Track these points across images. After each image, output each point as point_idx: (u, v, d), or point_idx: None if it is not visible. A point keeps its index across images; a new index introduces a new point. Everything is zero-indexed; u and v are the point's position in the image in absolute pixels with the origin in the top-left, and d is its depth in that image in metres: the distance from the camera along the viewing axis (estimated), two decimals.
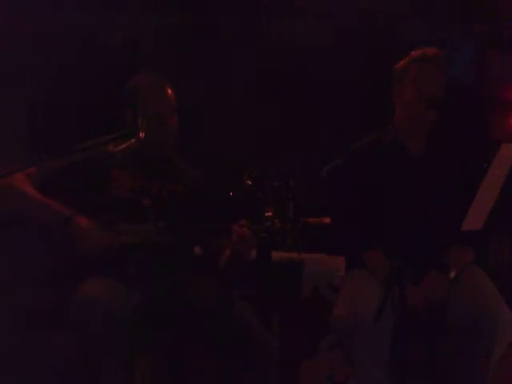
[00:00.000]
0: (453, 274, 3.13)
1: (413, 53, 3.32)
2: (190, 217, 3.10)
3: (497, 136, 5.12)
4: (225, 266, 3.07)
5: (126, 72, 3.30)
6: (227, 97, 5.08)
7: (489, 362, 3.01)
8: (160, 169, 3.19)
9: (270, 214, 2.91)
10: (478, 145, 3.42)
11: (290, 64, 5.26)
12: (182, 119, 3.22)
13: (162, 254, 2.99)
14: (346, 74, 5.26)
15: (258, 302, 3.61)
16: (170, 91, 3.18)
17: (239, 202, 3.23)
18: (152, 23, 5.20)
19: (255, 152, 4.49)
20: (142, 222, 2.98)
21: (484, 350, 3.00)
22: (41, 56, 4.96)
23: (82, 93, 5.03)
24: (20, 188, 2.92)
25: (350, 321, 3.00)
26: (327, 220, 3.83)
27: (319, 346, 3.88)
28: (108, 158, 3.07)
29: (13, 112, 4.79)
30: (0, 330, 2.94)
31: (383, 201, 3.22)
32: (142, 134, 2.79)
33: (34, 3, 4.86)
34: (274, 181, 3.03)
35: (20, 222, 2.95)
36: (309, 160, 4.79)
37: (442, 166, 3.28)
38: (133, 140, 2.88)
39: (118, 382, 2.76)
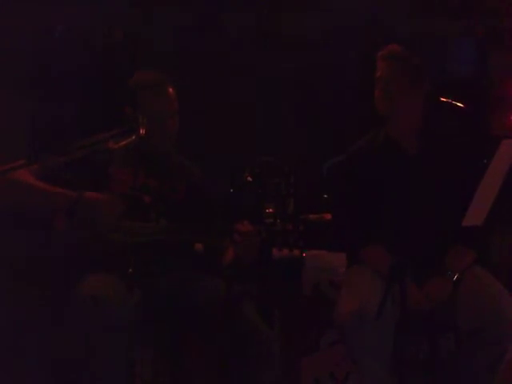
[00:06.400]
0: (454, 276, 3.12)
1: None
2: (191, 214, 3.10)
3: (497, 132, 5.12)
4: (227, 264, 3.07)
5: (126, 70, 3.30)
6: (227, 95, 5.08)
7: (499, 363, 3.01)
8: (161, 166, 3.19)
9: (270, 210, 2.91)
10: (479, 141, 3.40)
11: (290, 63, 5.26)
12: (182, 118, 3.21)
13: (163, 252, 3.00)
14: (347, 73, 5.26)
15: (258, 299, 3.61)
16: (171, 91, 3.17)
17: (240, 199, 3.23)
18: (152, 22, 5.20)
19: (255, 150, 4.48)
20: (142, 219, 2.99)
21: (495, 351, 3.00)
22: (40, 55, 4.96)
23: (82, 91, 5.03)
24: (24, 180, 2.92)
25: (352, 317, 2.99)
26: (328, 216, 3.83)
27: (320, 342, 3.88)
28: (108, 155, 3.06)
29: (13, 111, 4.79)
30: (0, 330, 2.94)
31: (382, 199, 3.22)
32: (142, 131, 2.78)
33: (33, 2, 4.86)
34: (275, 177, 3.03)
35: (22, 219, 2.95)
36: (309, 157, 4.79)
37: (437, 164, 3.25)
38: (133, 137, 2.88)
39: (118, 381, 2.76)
